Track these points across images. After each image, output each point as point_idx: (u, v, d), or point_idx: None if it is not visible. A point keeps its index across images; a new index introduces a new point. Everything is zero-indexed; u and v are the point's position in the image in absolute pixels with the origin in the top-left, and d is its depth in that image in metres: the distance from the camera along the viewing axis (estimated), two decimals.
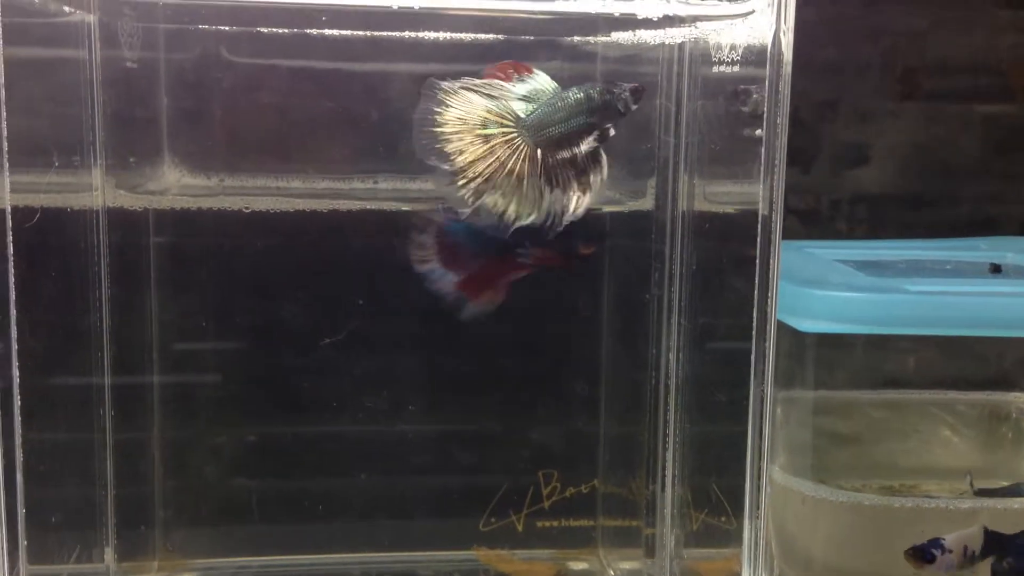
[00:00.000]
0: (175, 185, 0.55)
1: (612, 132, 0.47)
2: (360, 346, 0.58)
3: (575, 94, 0.47)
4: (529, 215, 0.47)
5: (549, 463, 0.61)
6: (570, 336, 0.60)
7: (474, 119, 0.46)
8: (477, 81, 0.47)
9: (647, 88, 0.50)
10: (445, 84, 0.47)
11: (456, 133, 0.46)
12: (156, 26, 0.53)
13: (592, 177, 0.47)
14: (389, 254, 0.57)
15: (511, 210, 0.47)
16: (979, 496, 0.56)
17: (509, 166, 0.46)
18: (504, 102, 0.47)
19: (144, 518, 0.57)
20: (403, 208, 0.56)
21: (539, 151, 0.47)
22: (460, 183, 0.47)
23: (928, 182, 0.90)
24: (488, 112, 0.46)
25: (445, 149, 0.47)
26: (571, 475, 0.61)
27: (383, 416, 0.59)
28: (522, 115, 0.47)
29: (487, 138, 0.46)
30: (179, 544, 0.58)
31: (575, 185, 0.47)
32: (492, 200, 0.47)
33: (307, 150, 0.57)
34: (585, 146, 0.47)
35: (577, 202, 0.47)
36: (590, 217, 0.49)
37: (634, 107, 0.48)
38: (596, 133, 0.47)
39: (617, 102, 0.47)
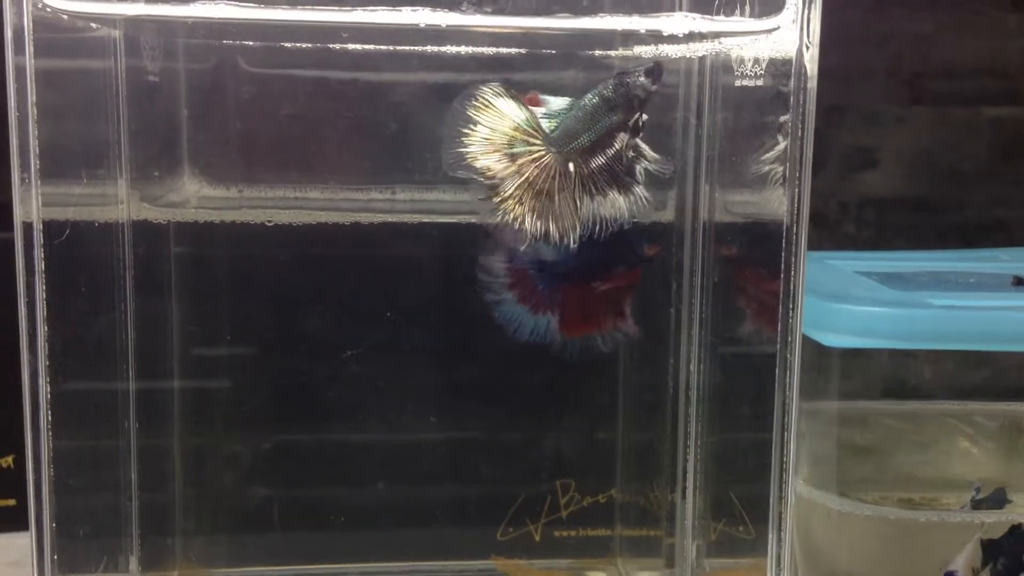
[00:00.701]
0: (195, 196, 0.56)
1: (644, 118, 0.47)
2: (379, 356, 0.58)
3: (591, 100, 0.47)
4: (571, 230, 0.47)
5: (566, 473, 0.61)
6: (589, 346, 0.60)
7: (500, 138, 0.47)
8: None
9: (667, 100, 0.51)
10: (477, 96, 0.47)
11: (483, 152, 0.47)
12: (177, 40, 0.54)
13: (638, 168, 0.47)
14: (409, 265, 0.57)
15: (552, 230, 0.47)
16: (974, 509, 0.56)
17: (538, 186, 0.47)
18: (532, 117, 0.47)
19: (165, 527, 0.58)
20: (424, 220, 0.56)
21: (570, 165, 0.47)
22: (494, 200, 0.47)
23: (935, 186, 0.90)
24: (515, 130, 0.47)
25: (474, 165, 0.47)
26: (588, 484, 0.61)
27: (402, 425, 0.59)
28: (548, 131, 0.47)
29: (513, 156, 0.47)
30: (199, 553, 0.59)
31: (617, 186, 0.47)
32: (530, 223, 0.47)
33: (326, 161, 0.57)
34: (619, 144, 0.47)
35: (631, 202, 0.47)
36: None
37: (654, 88, 0.47)
38: (628, 127, 0.47)
39: (635, 91, 0.47)
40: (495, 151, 0.47)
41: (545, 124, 0.47)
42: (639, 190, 0.48)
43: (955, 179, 0.90)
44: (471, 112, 0.47)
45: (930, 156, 0.89)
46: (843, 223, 0.89)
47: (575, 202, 0.47)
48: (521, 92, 0.47)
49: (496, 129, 0.47)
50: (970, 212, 0.90)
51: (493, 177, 0.47)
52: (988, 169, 0.90)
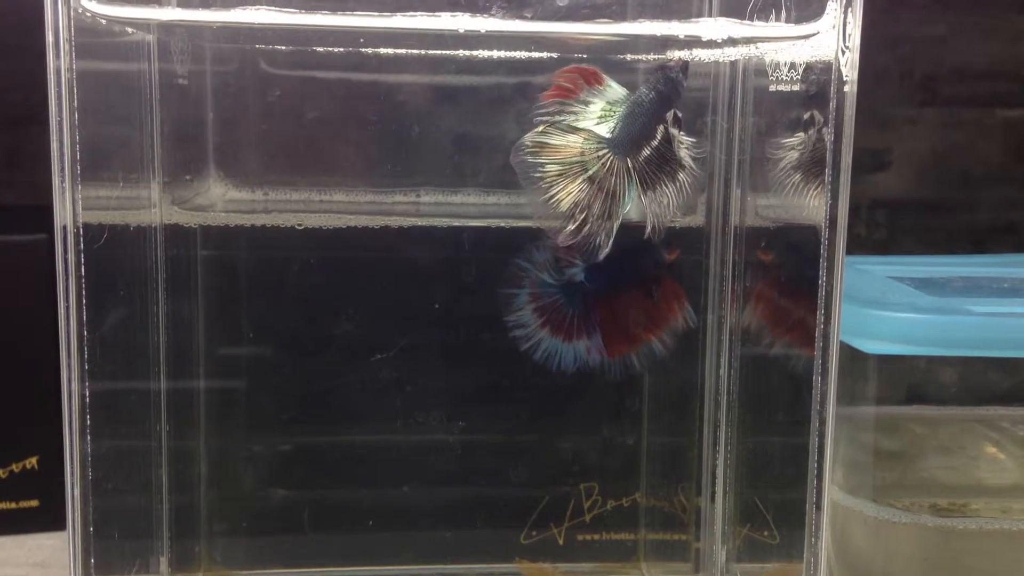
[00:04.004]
0: (221, 199, 0.56)
1: (680, 114, 0.48)
2: (405, 359, 0.58)
3: (647, 95, 0.48)
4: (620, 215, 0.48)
5: (590, 476, 0.61)
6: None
7: (574, 168, 0.47)
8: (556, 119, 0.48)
9: (698, 103, 0.51)
10: (527, 140, 0.47)
11: (566, 190, 0.47)
12: (204, 44, 0.54)
13: (679, 155, 0.48)
14: (433, 267, 0.57)
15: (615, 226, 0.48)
16: None
17: (608, 188, 0.47)
18: (589, 132, 0.47)
19: (192, 528, 0.58)
20: (453, 223, 0.56)
21: (628, 160, 0.47)
22: (577, 226, 0.48)
23: (947, 188, 0.90)
24: (582, 155, 0.47)
25: (561, 206, 0.47)
26: (612, 488, 0.61)
27: (427, 428, 0.59)
28: (607, 135, 0.47)
29: (592, 178, 0.47)
30: (225, 554, 0.59)
31: (666, 175, 0.48)
32: (601, 225, 0.47)
33: (350, 164, 0.57)
34: (660, 135, 0.47)
35: (677, 189, 0.48)
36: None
37: (686, 82, 0.49)
38: (667, 120, 0.47)
39: (679, 85, 0.48)
40: (574, 182, 0.47)
41: (603, 129, 0.48)
42: (683, 176, 0.48)
43: (967, 181, 0.90)
44: (532, 159, 0.48)
45: (942, 158, 0.89)
46: (854, 225, 0.89)
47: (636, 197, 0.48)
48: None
49: (566, 162, 0.47)
50: (982, 215, 0.90)
51: (581, 205, 0.48)
52: (1000, 171, 0.90)
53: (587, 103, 0.48)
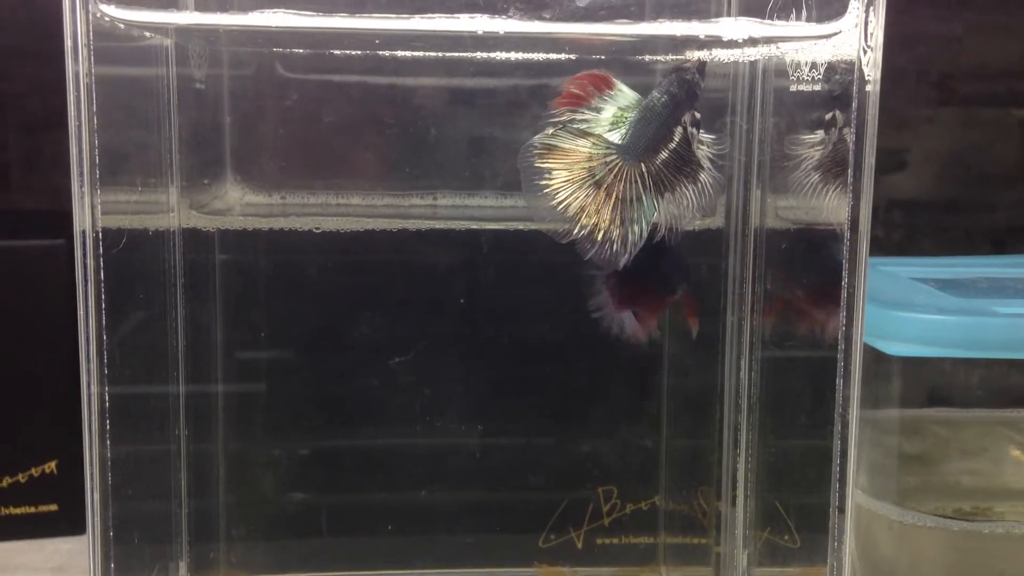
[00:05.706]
0: (238, 203, 0.56)
1: (699, 115, 0.48)
2: (423, 362, 0.58)
3: (659, 99, 0.47)
4: (642, 231, 0.47)
5: (609, 480, 0.61)
6: (633, 353, 0.59)
7: (580, 174, 0.47)
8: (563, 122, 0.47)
9: (717, 104, 0.50)
10: (537, 141, 0.47)
11: (572, 195, 0.47)
12: (220, 48, 0.54)
13: (699, 156, 0.47)
14: (450, 270, 0.57)
15: (631, 232, 0.47)
16: None
17: (617, 195, 0.47)
18: (598, 138, 0.47)
19: (210, 532, 0.58)
20: (471, 226, 0.56)
21: (642, 165, 0.47)
22: (587, 232, 0.47)
23: (964, 188, 0.89)
24: (590, 159, 0.47)
25: (567, 212, 0.47)
26: (631, 492, 0.61)
27: (445, 431, 0.59)
28: (618, 141, 0.47)
29: (599, 183, 0.47)
30: (243, 559, 0.59)
31: (685, 177, 0.47)
32: (615, 231, 0.47)
33: (367, 167, 0.57)
34: (678, 137, 0.47)
35: (698, 191, 0.48)
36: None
37: (703, 83, 0.48)
38: (686, 121, 0.47)
39: (695, 86, 0.47)
40: (580, 187, 0.47)
41: (615, 136, 0.47)
42: (704, 176, 0.48)
43: (984, 181, 0.89)
44: (540, 163, 0.47)
45: (959, 158, 0.89)
46: (871, 226, 0.89)
47: (654, 199, 0.47)
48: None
49: (573, 166, 0.47)
50: (1000, 215, 0.90)
51: (589, 211, 0.47)
52: (1018, 171, 0.89)
53: (598, 110, 0.47)
